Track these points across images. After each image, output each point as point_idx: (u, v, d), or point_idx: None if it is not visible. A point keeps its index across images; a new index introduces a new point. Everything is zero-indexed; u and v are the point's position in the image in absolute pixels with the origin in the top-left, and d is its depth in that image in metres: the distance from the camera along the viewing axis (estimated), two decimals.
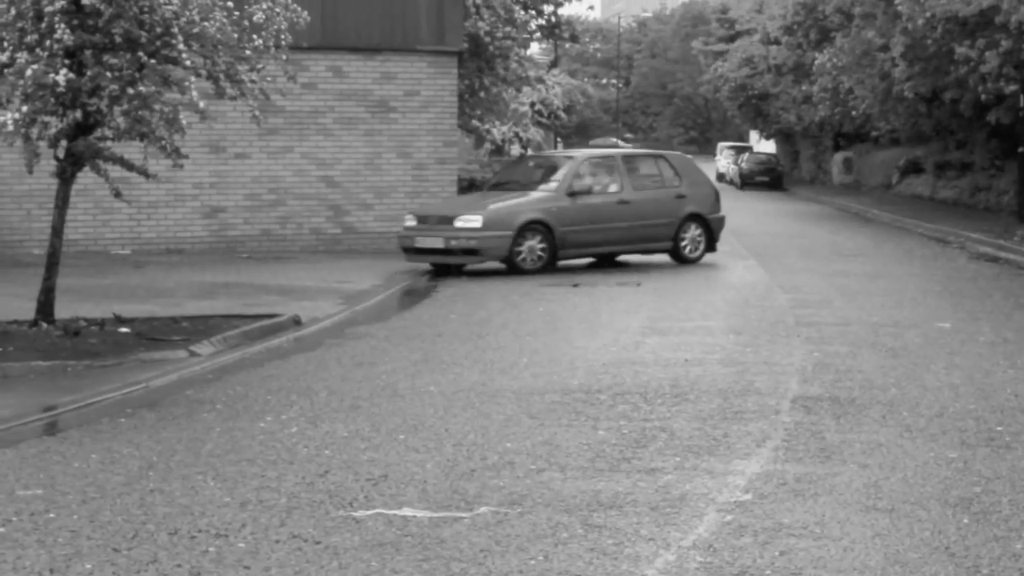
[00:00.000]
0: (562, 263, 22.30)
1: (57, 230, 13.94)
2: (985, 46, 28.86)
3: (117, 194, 14.10)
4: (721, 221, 24.46)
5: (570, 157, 24.06)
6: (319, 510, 7.36)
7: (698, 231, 23.79)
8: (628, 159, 24.50)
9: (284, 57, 14.17)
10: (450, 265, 21.88)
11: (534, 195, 22.43)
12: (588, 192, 22.69)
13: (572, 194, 22.37)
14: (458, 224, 21.44)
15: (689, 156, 25.87)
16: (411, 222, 22.25)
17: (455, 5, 26.04)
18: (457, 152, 27.00)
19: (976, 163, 42.06)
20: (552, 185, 22.61)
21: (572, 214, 22.13)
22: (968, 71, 29.87)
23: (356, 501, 7.55)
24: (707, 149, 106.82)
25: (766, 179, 64.00)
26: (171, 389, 11.42)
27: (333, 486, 7.90)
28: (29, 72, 12.51)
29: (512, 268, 21.47)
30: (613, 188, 23.14)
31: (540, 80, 46.01)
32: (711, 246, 24.03)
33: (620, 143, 78.91)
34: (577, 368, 12.28)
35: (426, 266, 21.90)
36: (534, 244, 21.56)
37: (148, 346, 13.27)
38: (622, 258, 23.86)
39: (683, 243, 23.61)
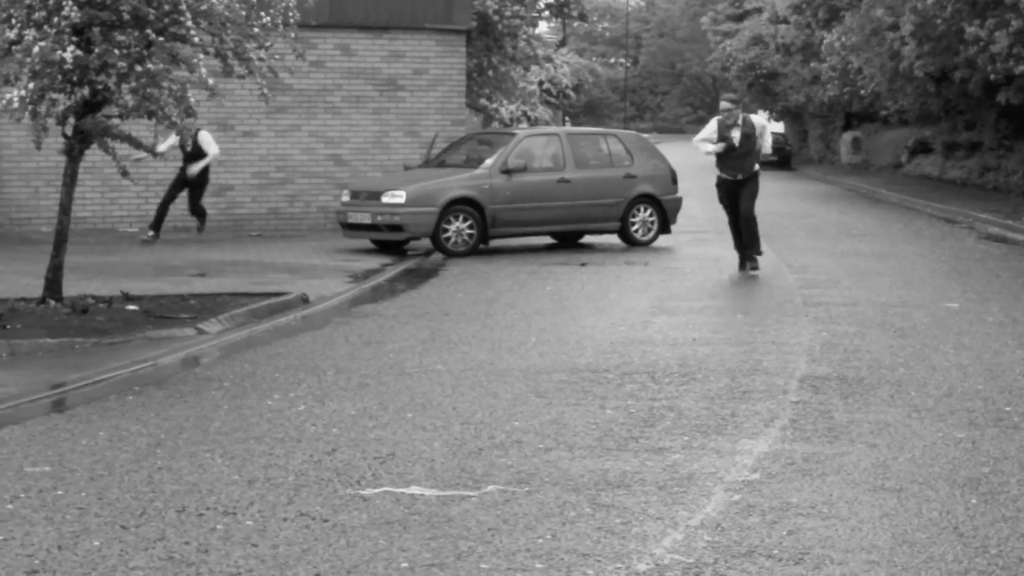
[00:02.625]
0: (496, 243, 22.02)
1: (65, 207, 13.94)
2: (995, 26, 28.78)
3: (124, 173, 14.09)
4: (677, 202, 23.66)
5: (512, 134, 23.50)
6: (327, 488, 7.37)
7: (649, 213, 23.11)
8: (573, 137, 23.60)
9: (292, 35, 14.14)
10: (395, 243, 21.56)
11: (467, 172, 21.86)
12: (525, 170, 21.99)
13: (507, 172, 21.79)
14: (384, 200, 21.04)
15: (645, 135, 24.96)
16: (346, 197, 21.98)
17: None
18: (465, 131, 26.93)
19: (985, 143, 41.98)
20: (488, 162, 22.01)
21: (506, 192, 21.63)
22: (978, 51, 29.79)
23: (364, 479, 7.55)
24: None
25: (774, 159, 63.81)
26: (179, 367, 11.43)
27: (341, 464, 7.90)
28: (36, 49, 12.49)
29: (438, 247, 21.09)
30: (554, 166, 22.50)
31: (548, 59, 45.86)
32: (665, 228, 23.30)
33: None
34: (585, 347, 12.28)
35: (369, 243, 21.82)
36: (461, 225, 21.13)
37: (156, 324, 13.28)
38: (586, 239, 23.64)
39: (633, 226, 23.00)
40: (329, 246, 21.88)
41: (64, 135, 13.73)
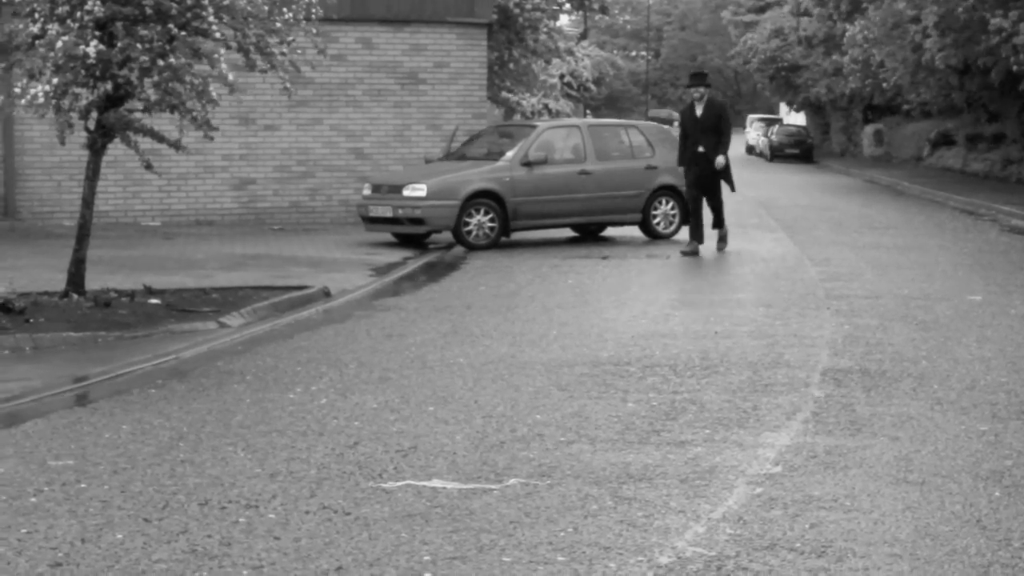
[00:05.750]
0: (517, 236, 22.04)
1: (88, 201, 13.98)
2: (1018, 17, 28.65)
3: (148, 166, 14.14)
4: None
5: (532, 126, 23.44)
6: (349, 481, 7.38)
7: (671, 205, 22.99)
8: (594, 129, 23.55)
9: (314, 30, 14.16)
10: (417, 236, 21.56)
11: (487, 165, 21.82)
12: (545, 162, 21.94)
13: (528, 164, 21.75)
14: (406, 193, 21.03)
15: (666, 127, 24.91)
16: (367, 191, 21.99)
17: None
18: (487, 124, 26.92)
19: (1008, 135, 41.82)
20: (508, 155, 21.97)
21: (527, 185, 21.59)
22: (1000, 42, 29.66)
23: (386, 472, 7.56)
24: (737, 121, 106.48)
25: (796, 151, 63.84)
26: (201, 360, 11.45)
27: (363, 457, 7.91)
28: (60, 44, 12.53)
29: (460, 241, 21.07)
30: (574, 158, 22.47)
31: (569, 52, 45.86)
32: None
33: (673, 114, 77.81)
34: (606, 340, 12.27)
35: (390, 236, 21.84)
36: (482, 219, 21.10)
37: (178, 317, 13.31)
38: (607, 231, 23.62)
39: (655, 219, 22.95)
40: (351, 239, 21.90)
41: (87, 129, 13.78)
